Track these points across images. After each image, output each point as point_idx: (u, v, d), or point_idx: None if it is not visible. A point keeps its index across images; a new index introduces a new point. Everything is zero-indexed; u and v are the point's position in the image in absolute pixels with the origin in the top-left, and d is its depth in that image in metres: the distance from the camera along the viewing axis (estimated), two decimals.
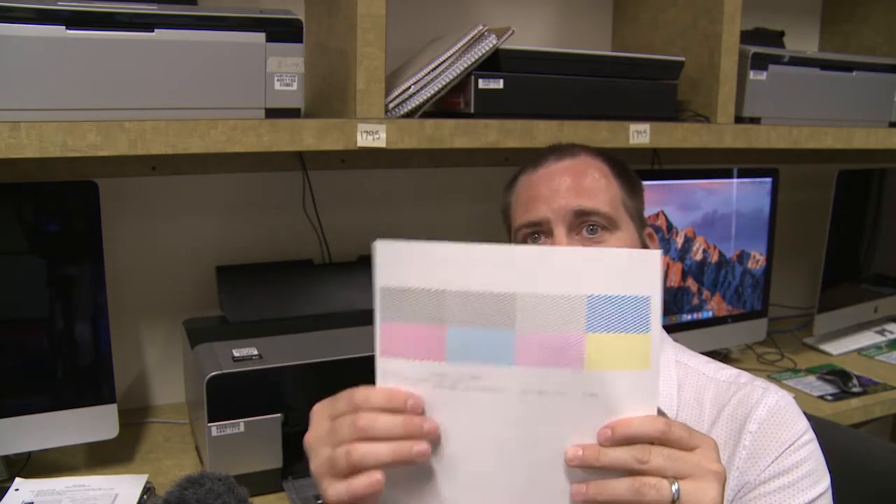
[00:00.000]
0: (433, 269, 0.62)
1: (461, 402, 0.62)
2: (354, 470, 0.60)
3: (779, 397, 0.89)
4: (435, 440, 0.62)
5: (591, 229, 0.90)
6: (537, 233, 0.92)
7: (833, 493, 0.87)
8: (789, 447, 0.85)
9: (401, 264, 0.63)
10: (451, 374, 0.62)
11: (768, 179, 1.86)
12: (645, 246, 0.96)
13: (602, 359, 0.60)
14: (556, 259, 0.61)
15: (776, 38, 1.88)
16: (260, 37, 1.14)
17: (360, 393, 0.62)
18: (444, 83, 1.30)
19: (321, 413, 0.65)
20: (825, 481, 0.86)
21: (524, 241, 0.94)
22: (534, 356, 0.61)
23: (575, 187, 0.91)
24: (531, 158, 1.00)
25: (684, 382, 0.92)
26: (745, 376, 0.94)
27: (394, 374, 0.63)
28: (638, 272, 0.60)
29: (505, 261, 0.61)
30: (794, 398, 0.91)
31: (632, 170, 1.00)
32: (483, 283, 0.61)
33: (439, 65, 1.30)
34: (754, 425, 0.87)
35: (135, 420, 1.49)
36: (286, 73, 1.17)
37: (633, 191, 0.96)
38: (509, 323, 0.61)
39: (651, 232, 1.00)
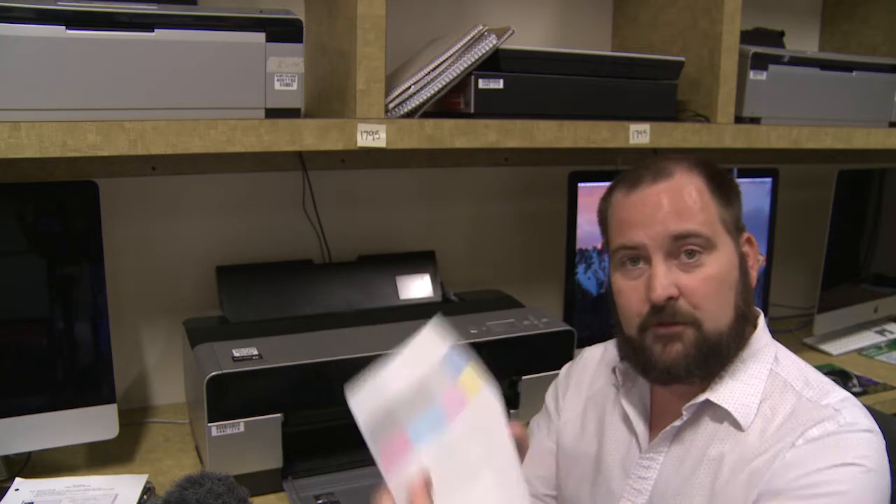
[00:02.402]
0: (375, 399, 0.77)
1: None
2: None
3: (841, 425, 0.84)
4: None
5: (690, 253, 0.89)
6: (636, 257, 0.92)
7: None
8: (823, 469, 0.82)
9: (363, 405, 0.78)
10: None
11: (768, 179, 1.86)
12: (743, 259, 0.94)
13: (469, 390, 0.78)
14: (418, 342, 0.79)
15: (776, 38, 1.88)
16: (260, 37, 1.14)
17: None
18: (444, 83, 1.30)
19: None
20: None
21: (623, 263, 0.93)
22: (451, 411, 0.76)
23: (672, 211, 0.90)
24: (628, 173, 0.97)
25: (770, 394, 0.91)
26: (833, 397, 0.89)
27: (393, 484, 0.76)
28: (435, 339, 0.79)
29: (392, 373, 0.77)
30: (872, 433, 0.85)
31: (728, 175, 0.97)
32: (403, 386, 0.77)
33: (439, 65, 1.30)
34: (802, 441, 0.84)
35: (135, 420, 1.49)
36: (286, 73, 1.17)
37: (729, 202, 0.94)
38: (431, 399, 0.77)
39: (749, 237, 0.97)
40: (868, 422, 0.86)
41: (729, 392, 0.91)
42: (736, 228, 0.94)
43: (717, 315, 0.90)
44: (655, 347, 0.91)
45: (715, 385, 0.92)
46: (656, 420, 0.98)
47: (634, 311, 0.92)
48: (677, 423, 0.93)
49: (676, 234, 0.89)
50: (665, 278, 0.88)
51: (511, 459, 0.77)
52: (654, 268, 0.89)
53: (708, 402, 0.91)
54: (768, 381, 0.92)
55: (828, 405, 0.87)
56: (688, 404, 0.92)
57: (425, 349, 0.80)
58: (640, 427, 0.98)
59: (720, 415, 0.91)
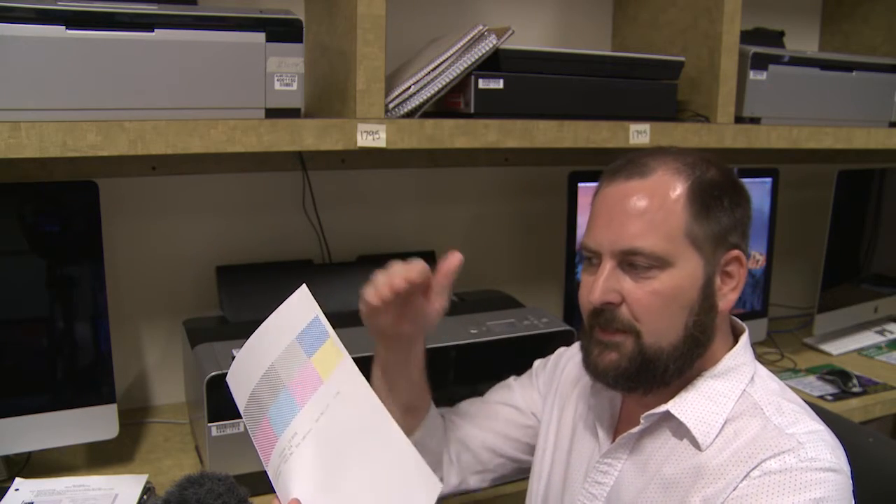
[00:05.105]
0: (243, 380, 0.89)
1: (297, 461, 0.82)
2: None
3: (802, 461, 0.80)
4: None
5: (642, 266, 0.86)
6: (592, 258, 0.91)
7: None
8: None
9: (236, 388, 0.91)
10: (282, 446, 0.84)
11: (768, 179, 1.86)
12: (711, 279, 0.89)
13: (325, 367, 0.84)
14: (267, 331, 0.89)
15: (776, 38, 1.88)
16: (260, 37, 1.14)
17: None
18: (444, 83, 1.30)
19: None
20: None
21: (587, 257, 0.92)
22: (303, 393, 0.84)
23: (627, 221, 0.87)
24: (614, 164, 0.93)
25: (738, 416, 0.87)
26: (801, 427, 0.84)
27: (272, 475, 0.85)
28: (302, 307, 0.87)
29: (253, 351, 0.89)
30: (835, 472, 0.81)
31: (723, 187, 0.90)
32: (257, 372, 0.88)
33: (439, 65, 1.30)
34: (758, 472, 0.81)
35: (135, 420, 1.49)
36: (286, 73, 1.17)
37: (708, 216, 0.88)
38: (280, 383, 0.86)
39: (738, 256, 0.90)
40: (833, 459, 0.82)
41: (692, 407, 0.88)
42: (715, 245, 0.88)
43: (659, 331, 0.87)
44: (594, 349, 0.90)
45: (680, 398, 0.89)
46: (622, 426, 0.96)
47: (584, 307, 0.91)
48: (635, 430, 0.91)
49: (623, 250, 0.87)
50: (606, 283, 0.87)
51: (383, 417, 0.81)
52: (599, 271, 0.88)
53: (669, 415, 0.89)
54: (739, 401, 0.88)
55: (793, 435, 0.83)
56: (647, 413, 0.90)
57: (287, 321, 0.88)
58: (602, 431, 0.97)
59: (681, 430, 0.88)
